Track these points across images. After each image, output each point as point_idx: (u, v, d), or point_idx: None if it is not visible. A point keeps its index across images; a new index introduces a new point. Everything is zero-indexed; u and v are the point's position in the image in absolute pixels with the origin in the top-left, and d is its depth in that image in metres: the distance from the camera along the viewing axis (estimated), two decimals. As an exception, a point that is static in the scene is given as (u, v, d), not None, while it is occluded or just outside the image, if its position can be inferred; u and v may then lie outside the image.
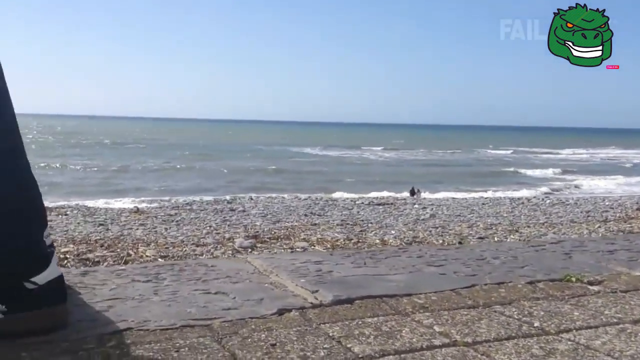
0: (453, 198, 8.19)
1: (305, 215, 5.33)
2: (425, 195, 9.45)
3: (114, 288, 1.34)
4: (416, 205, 6.26)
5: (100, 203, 6.70)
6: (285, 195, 7.78)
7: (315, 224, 4.53)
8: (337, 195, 9.11)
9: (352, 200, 6.87)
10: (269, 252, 2.88)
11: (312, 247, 3.01)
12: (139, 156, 22.36)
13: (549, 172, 19.60)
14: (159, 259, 2.51)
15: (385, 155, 28.67)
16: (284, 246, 3.05)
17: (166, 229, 3.97)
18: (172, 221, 4.51)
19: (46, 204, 1.18)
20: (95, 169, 17.12)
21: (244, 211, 5.62)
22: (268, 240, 3.34)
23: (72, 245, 2.82)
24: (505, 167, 21.39)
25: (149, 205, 6.44)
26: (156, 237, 3.43)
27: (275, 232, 3.82)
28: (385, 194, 9.41)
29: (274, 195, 7.98)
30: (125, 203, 7.04)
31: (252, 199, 6.45)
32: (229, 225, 4.38)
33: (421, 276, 1.53)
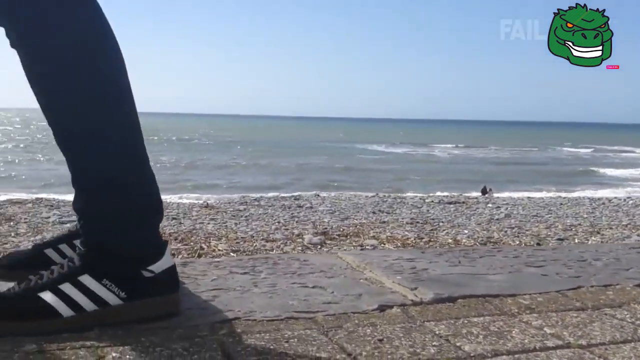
0: (529, 197, 7.94)
1: (374, 212, 5.31)
2: (499, 194, 9.21)
3: (215, 279, 1.39)
4: (489, 205, 6.11)
5: (171, 198, 6.92)
6: (352, 193, 7.79)
7: (384, 222, 4.51)
8: (405, 193, 9.03)
9: (420, 199, 6.78)
10: (339, 248, 2.89)
11: (382, 245, 3.01)
12: (205, 152, 22.99)
13: (633, 171, 18.69)
14: (231, 253, 2.57)
15: (455, 153, 28.15)
16: (354, 243, 3.06)
17: (236, 224, 4.05)
18: (241, 216, 4.60)
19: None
20: (167, 164, 17.72)
21: (311, 208, 5.66)
22: (337, 237, 3.35)
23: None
24: (584, 166, 20.57)
25: (218, 201, 6.60)
26: (227, 232, 3.51)
27: (343, 229, 3.83)
28: (455, 192, 9.24)
29: (340, 192, 8.01)
30: (194, 198, 7.25)
31: (318, 195, 6.49)
32: (297, 222, 4.42)
33: (522, 277, 1.51)
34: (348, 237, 3.34)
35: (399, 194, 8.23)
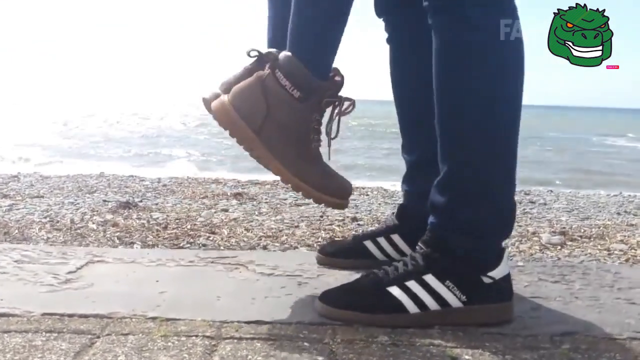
0: None
1: (618, 214, 4.86)
2: None
3: (527, 285, 1.40)
4: None
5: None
6: (591, 191, 7.26)
7: (632, 225, 4.12)
8: (653, 193, 8.11)
9: (676, 200, 6.06)
10: (581, 251, 2.74)
11: (633, 250, 2.80)
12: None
13: None
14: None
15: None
16: (598, 246, 2.87)
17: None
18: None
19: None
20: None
21: (545, 204, 5.37)
22: (578, 238, 3.15)
23: (377, 225, 3.04)
24: None
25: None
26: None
27: (585, 230, 3.57)
28: None
29: (576, 190, 7.51)
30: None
31: (551, 192, 6.17)
32: (530, 218, 4.23)
33: None
34: (591, 239, 3.14)
35: (649, 194, 7.42)
